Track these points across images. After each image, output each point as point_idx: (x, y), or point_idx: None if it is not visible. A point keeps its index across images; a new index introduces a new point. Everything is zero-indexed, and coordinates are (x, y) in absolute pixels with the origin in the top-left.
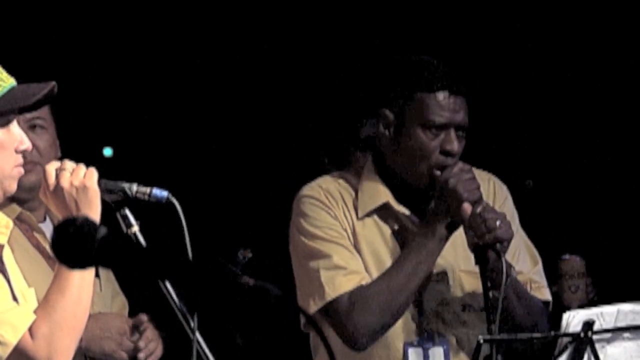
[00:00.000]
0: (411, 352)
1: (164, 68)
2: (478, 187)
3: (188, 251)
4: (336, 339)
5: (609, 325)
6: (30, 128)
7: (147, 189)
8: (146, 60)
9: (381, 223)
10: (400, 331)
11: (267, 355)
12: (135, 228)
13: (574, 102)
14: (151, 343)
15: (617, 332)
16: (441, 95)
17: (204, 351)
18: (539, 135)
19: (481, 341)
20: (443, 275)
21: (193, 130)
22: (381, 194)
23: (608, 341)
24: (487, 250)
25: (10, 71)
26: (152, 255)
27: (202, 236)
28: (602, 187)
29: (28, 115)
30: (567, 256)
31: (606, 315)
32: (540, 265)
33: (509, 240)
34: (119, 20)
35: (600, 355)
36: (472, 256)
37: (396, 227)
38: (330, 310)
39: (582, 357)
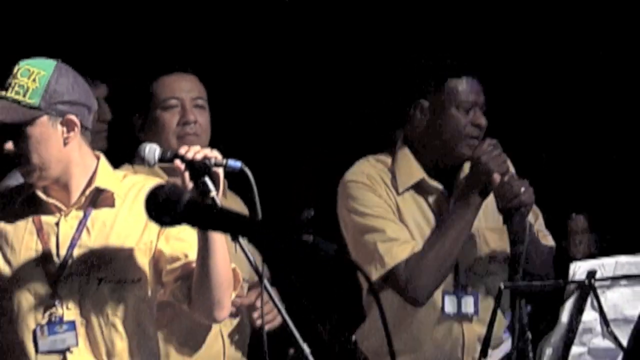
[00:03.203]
0: (447, 300)
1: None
2: (505, 161)
3: (258, 212)
4: (388, 295)
5: (609, 274)
6: (195, 107)
7: (224, 160)
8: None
9: (418, 197)
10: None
11: (323, 307)
12: (214, 193)
13: (578, 63)
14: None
15: (615, 280)
16: (467, 80)
17: (271, 296)
18: (546, 101)
19: (502, 287)
20: (471, 235)
21: (261, 98)
22: (416, 171)
23: (608, 287)
24: (513, 213)
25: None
26: (228, 216)
27: (271, 198)
28: (606, 159)
29: (193, 95)
30: (573, 215)
31: (606, 265)
32: (541, 217)
33: (531, 204)
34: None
35: (601, 299)
36: (492, 216)
37: (431, 199)
38: (391, 276)
39: (586, 300)
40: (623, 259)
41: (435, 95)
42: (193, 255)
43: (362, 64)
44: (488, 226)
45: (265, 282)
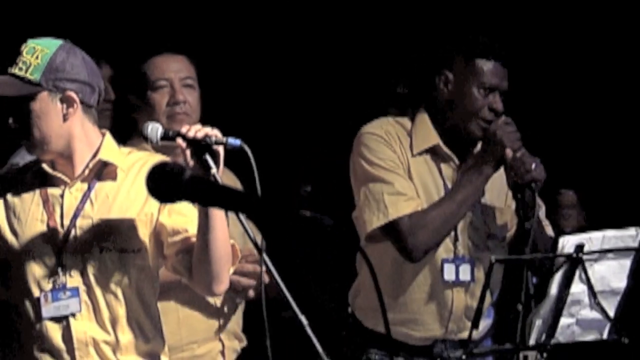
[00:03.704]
0: (446, 266)
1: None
2: (519, 138)
3: (257, 188)
4: (384, 257)
5: (596, 247)
6: (184, 86)
7: (224, 138)
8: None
9: (430, 162)
10: (441, 250)
11: (318, 272)
12: (214, 170)
13: (568, 46)
14: (249, 270)
15: (602, 253)
16: (494, 64)
17: (269, 269)
18: (538, 78)
19: (493, 261)
20: (476, 208)
21: (262, 83)
22: (432, 137)
23: (595, 260)
24: (524, 188)
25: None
26: (228, 192)
27: (270, 175)
28: (597, 133)
29: (182, 75)
30: (562, 190)
31: (594, 239)
32: (544, 208)
33: (542, 181)
34: None
35: (589, 272)
36: (497, 195)
37: (443, 167)
38: (392, 228)
39: (574, 273)
40: (610, 233)
41: (462, 69)
42: (194, 230)
43: (363, 41)
44: (492, 203)
45: (265, 256)
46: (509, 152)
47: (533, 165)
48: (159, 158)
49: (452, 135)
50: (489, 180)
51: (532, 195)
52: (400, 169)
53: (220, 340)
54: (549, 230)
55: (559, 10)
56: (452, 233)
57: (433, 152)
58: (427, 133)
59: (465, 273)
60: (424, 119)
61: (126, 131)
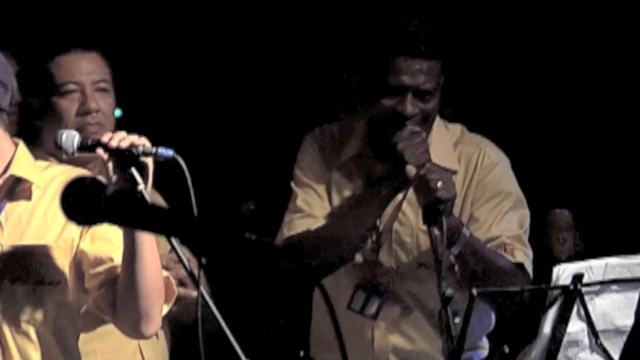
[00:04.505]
0: (356, 295)
1: (165, 24)
2: (425, 151)
3: (193, 207)
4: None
5: (598, 278)
6: (97, 91)
7: (153, 148)
8: (149, 17)
9: (355, 171)
10: (354, 278)
11: (270, 305)
12: (142, 186)
13: (566, 57)
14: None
15: (605, 284)
16: (400, 60)
17: (208, 305)
18: (531, 91)
19: (475, 294)
20: (402, 232)
21: (196, 85)
22: (360, 145)
23: (596, 293)
24: (436, 210)
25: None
26: (158, 212)
27: (207, 190)
28: (592, 149)
29: (95, 78)
30: (556, 210)
31: (595, 268)
32: (523, 230)
33: (452, 200)
34: None
35: (589, 307)
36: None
37: (366, 176)
38: (287, 247)
39: (572, 309)
40: (614, 260)
41: (365, 73)
42: (120, 259)
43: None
44: (422, 227)
45: (202, 289)
46: (410, 169)
47: (439, 184)
48: (81, 173)
49: (383, 142)
50: (389, 201)
51: (439, 219)
52: (318, 180)
53: None
54: (517, 256)
55: (557, 32)
56: (373, 262)
57: (361, 160)
58: (357, 140)
59: (371, 305)
60: (360, 123)
61: (25, 141)
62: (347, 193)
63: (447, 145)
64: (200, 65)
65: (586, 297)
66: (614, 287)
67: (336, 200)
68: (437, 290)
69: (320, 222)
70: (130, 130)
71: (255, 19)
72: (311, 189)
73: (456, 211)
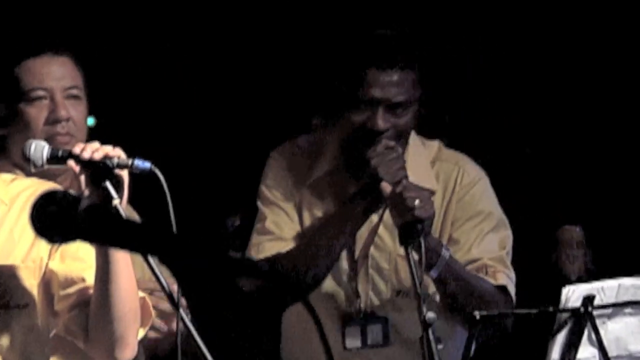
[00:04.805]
0: (348, 332)
1: (144, 34)
2: (401, 167)
3: (172, 223)
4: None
5: (610, 300)
6: (68, 98)
7: (129, 160)
8: (128, 27)
9: (327, 189)
10: (334, 311)
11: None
12: (116, 201)
13: (574, 69)
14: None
15: (618, 307)
16: (370, 72)
17: (188, 327)
18: (539, 104)
19: (477, 317)
20: (379, 258)
21: (177, 96)
22: (332, 161)
23: (609, 317)
24: (414, 230)
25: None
26: (134, 228)
27: (189, 205)
28: (604, 160)
29: (66, 84)
30: (566, 226)
31: (607, 289)
32: (505, 251)
33: (430, 219)
34: None
35: (601, 331)
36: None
37: (339, 195)
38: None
39: (582, 333)
40: (627, 281)
41: (337, 87)
42: (93, 279)
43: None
44: (399, 251)
45: (182, 312)
46: (385, 186)
47: (416, 202)
48: (51, 187)
49: (357, 158)
50: (364, 221)
51: (417, 240)
52: (288, 199)
53: None
54: (499, 278)
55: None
56: (351, 291)
57: (335, 177)
58: (330, 156)
59: (375, 333)
60: (334, 138)
61: None
62: (319, 212)
63: (424, 162)
64: (179, 70)
65: (598, 321)
66: (628, 310)
67: (307, 220)
68: (417, 318)
69: (290, 245)
70: (104, 141)
71: (235, 33)
72: (280, 208)
73: (435, 233)
